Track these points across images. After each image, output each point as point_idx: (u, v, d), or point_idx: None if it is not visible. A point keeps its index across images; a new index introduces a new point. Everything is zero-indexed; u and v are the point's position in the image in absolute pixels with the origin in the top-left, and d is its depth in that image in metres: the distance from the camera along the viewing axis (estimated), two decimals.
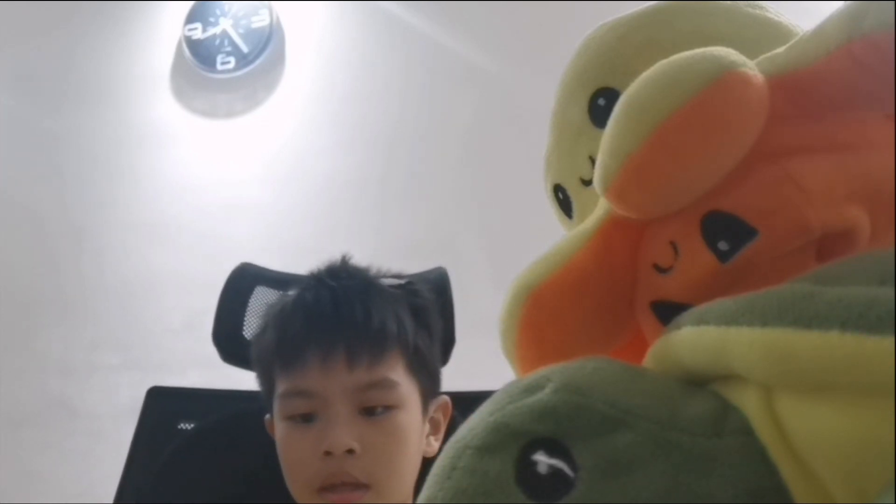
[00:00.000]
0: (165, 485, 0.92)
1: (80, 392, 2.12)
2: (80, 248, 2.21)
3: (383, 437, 0.72)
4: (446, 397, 0.81)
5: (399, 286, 0.78)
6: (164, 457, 0.94)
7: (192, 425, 1.00)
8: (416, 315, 0.77)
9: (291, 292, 0.78)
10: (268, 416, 0.80)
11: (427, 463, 0.77)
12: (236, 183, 2.13)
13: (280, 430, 0.75)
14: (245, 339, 1.00)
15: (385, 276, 0.81)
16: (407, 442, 0.74)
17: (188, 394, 1.07)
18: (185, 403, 1.03)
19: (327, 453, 0.70)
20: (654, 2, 0.49)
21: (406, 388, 0.74)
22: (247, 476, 0.88)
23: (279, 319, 0.75)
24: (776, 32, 0.46)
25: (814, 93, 0.37)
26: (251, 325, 0.98)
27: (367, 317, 0.72)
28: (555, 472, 0.31)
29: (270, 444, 0.79)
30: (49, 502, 1.96)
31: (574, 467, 0.31)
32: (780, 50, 0.38)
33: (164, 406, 1.02)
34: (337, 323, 0.72)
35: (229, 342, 0.98)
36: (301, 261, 0.85)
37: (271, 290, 1.03)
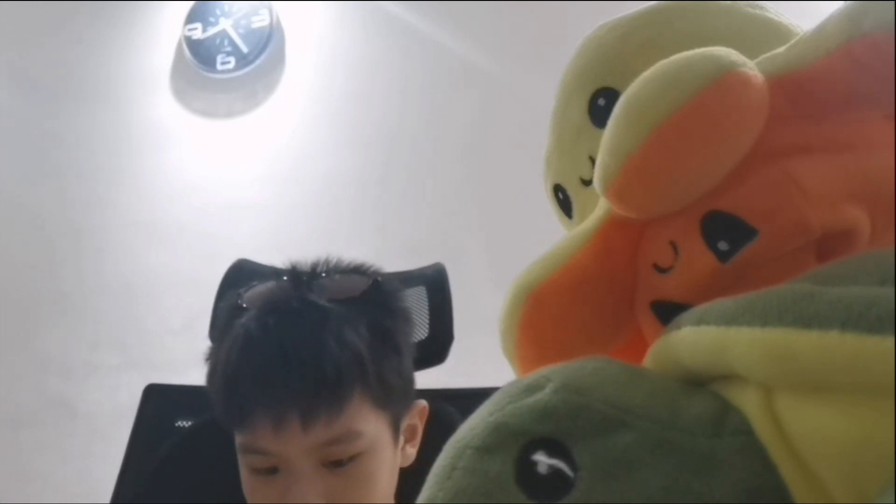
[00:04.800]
0: (163, 483, 0.90)
1: (80, 392, 2.12)
2: (80, 248, 2.21)
3: (351, 488, 0.68)
4: (422, 402, 0.77)
5: (359, 299, 0.71)
6: (161, 454, 0.93)
7: (190, 423, 0.99)
8: (379, 336, 0.69)
9: (244, 315, 0.69)
10: None
11: (404, 473, 0.75)
12: (236, 183, 2.13)
13: (243, 476, 0.71)
14: None
15: (347, 272, 0.74)
16: (377, 485, 0.70)
17: (185, 391, 1.05)
18: (183, 400, 1.02)
19: None
20: (654, 2, 0.49)
21: (373, 428, 0.68)
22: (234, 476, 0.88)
23: (225, 371, 0.68)
24: (776, 32, 0.46)
25: (814, 93, 0.37)
26: None
27: (320, 371, 0.64)
28: (555, 473, 0.31)
29: None
30: (49, 502, 1.96)
31: (574, 467, 0.31)
32: (780, 50, 0.38)
33: (161, 403, 1.01)
34: (288, 385, 0.64)
35: None
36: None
37: None
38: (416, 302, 0.89)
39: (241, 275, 0.95)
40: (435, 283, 0.89)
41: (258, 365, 0.66)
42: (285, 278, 0.74)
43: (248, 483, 0.70)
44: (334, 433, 0.66)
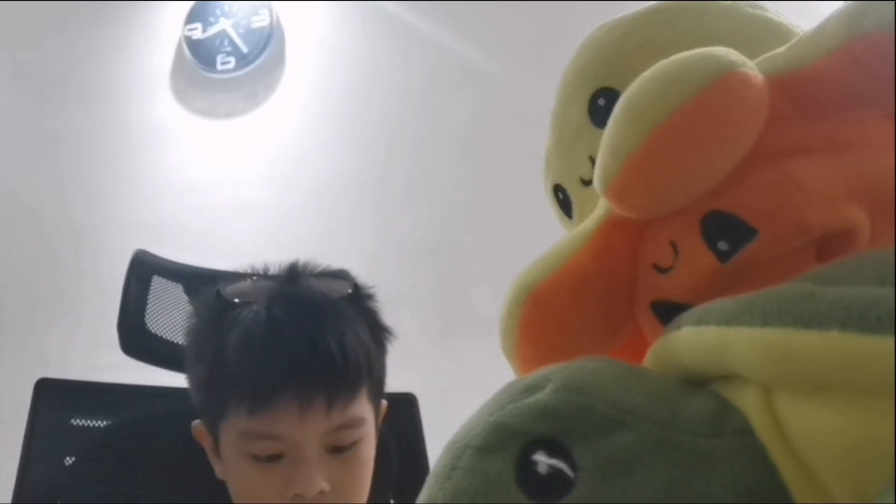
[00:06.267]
0: (77, 484, 0.88)
1: None
2: (80, 248, 2.21)
3: (351, 472, 0.72)
4: (385, 401, 0.81)
5: (348, 299, 0.75)
6: (79, 454, 0.91)
7: (86, 422, 0.97)
8: (373, 333, 0.75)
9: (246, 308, 0.71)
10: (197, 422, 0.76)
11: None
12: (236, 183, 2.13)
13: (238, 466, 0.72)
14: (148, 331, 0.99)
15: (331, 276, 0.77)
16: (369, 470, 0.74)
17: (78, 387, 1.02)
18: (76, 398, 0.99)
19: (297, 495, 0.69)
20: (654, 2, 0.49)
21: (369, 417, 0.73)
22: (165, 477, 0.85)
23: (245, 358, 0.69)
24: (776, 32, 0.46)
25: (814, 93, 0.37)
26: (153, 317, 0.98)
27: (344, 359, 0.69)
28: (555, 473, 0.31)
29: (188, 445, 0.76)
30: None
31: (574, 467, 0.31)
32: (780, 50, 0.38)
33: (55, 400, 0.99)
34: (318, 370, 0.68)
35: (132, 333, 0.96)
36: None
37: (169, 281, 1.02)
38: None
39: (144, 267, 0.94)
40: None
41: (290, 351, 0.69)
42: (263, 277, 0.77)
43: (247, 471, 0.71)
44: (346, 418, 0.70)
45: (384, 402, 0.80)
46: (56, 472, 0.93)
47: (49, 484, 0.92)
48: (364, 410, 0.72)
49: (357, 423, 0.71)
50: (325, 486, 0.69)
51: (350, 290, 0.76)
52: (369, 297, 0.78)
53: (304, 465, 0.69)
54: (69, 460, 0.96)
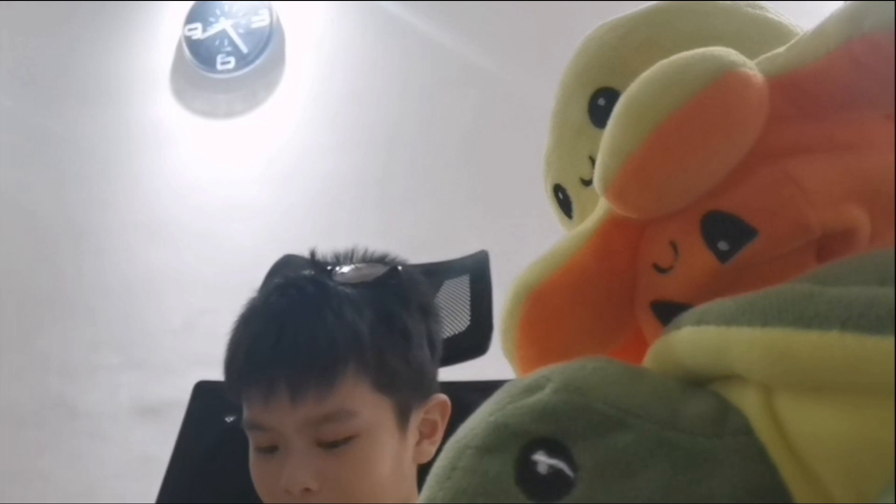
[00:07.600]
0: (206, 478, 0.90)
1: (80, 392, 2.12)
2: (80, 248, 2.21)
3: (345, 470, 0.66)
4: (443, 396, 0.74)
5: (371, 285, 0.70)
6: (201, 450, 0.92)
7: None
8: (384, 320, 0.68)
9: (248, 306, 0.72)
10: None
11: (423, 469, 0.73)
12: (236, 183, 2.13)
13: (250, 455, 0.72)
14: None
15: (372, 261, 0.74)
16: (374, 470, 0.68)
17: None
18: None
19: (286, 490, 0.67)
20: (654, 2, 0.49)
21: (371, 411, 0.67)
22: None
23: (228, 347, 0.70)
24: (776, 32, 0.46)
25: (814, 93, 0.37)
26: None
27: (313, 344, 0.65)
28: (555, 473, 0.31)
29: None
30: (49, 502, 1.96)
31: (574, 467, 0.31)
32: (780, 50, 0.38)
33: (210, 400, 0.99)
34: (277, 356, 0.66)
35: None
36: None
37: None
38: (460, 292, 0.86)
39: (285, 268, 0.93)
40: (476, 272, 0.86)
41: (254, 337, 0.68)
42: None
43: (252, 461, 0.71)
44: (326, 410, 0.65)
45: (441, 398, 0.74)
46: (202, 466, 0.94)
47: (189, 479, 0.93)
48: (356, 403, 0.66)
49: (343, 415, 0.66)
50: (310, 483, 0.66)
51: (377, 276, 0.71)
52: (404, 285, 0.72)
53: (290, 458, 0.67)
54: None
